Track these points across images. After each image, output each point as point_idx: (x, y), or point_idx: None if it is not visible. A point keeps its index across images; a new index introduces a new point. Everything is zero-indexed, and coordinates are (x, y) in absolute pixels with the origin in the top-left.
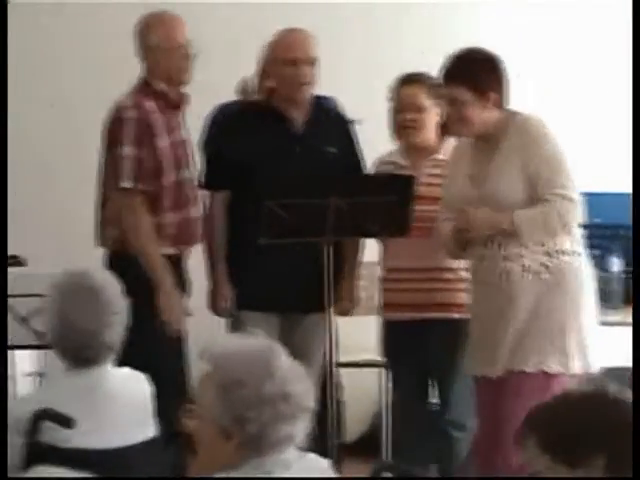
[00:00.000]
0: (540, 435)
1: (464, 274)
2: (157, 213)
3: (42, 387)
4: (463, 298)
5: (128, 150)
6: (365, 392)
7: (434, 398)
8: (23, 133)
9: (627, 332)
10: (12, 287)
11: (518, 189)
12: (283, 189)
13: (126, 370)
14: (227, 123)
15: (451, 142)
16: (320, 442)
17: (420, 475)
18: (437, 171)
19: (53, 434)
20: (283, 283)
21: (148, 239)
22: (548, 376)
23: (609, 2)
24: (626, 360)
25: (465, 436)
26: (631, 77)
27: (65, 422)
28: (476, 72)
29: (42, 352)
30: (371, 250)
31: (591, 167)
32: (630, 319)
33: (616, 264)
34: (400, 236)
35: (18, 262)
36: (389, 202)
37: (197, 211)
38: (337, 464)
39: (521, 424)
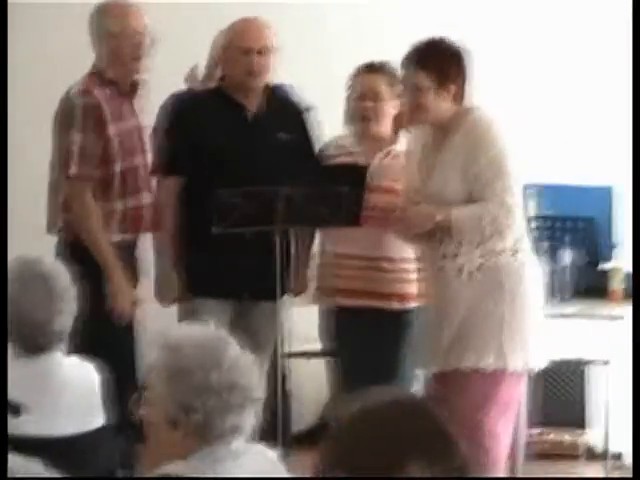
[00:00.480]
0: (332, 459)
1: (409, 266)
2: (107, 200)
3: None
4: (405, 289)
5: (76, 137)
6: (316, 382)
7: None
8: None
9: (579, 324)
10: None
11: (458, 187)
12: (235, 178)
13: (75, 358)
14: (179, 110)
15: (407, 135)
16: (270, 433)
17: None
18: (389, 161)
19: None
20: (235, 270)
21: (96, 226)
22: (485, 374)
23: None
24: (578, 352)
25: None
26: (631, 79)
27: (14, 409)
28: (439, 60)
29: None
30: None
31: (544, 159)
32: (581, 312)
33: (567, 256)
34: (351, 226)
35: None
36: (341, 192)
37: (149, 198)
38: (286, 455)
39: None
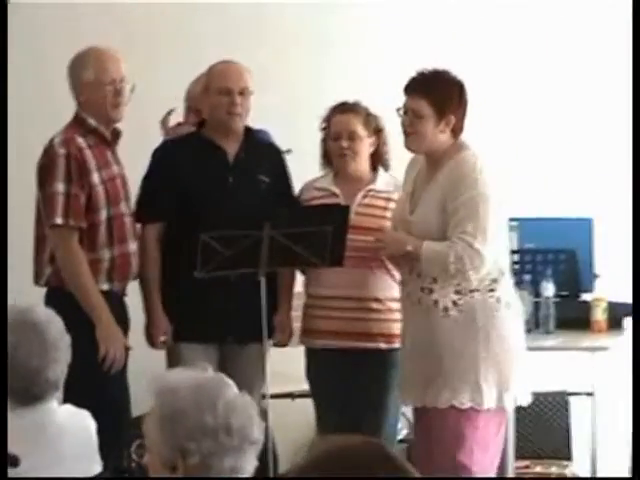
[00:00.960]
0: None
1: (394, 305)
2: (93, 249)
3: None
4: (392, 329)
5: (60, 187)
6: (299, 422)
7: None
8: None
9: (561, 356)
10: None
11: (435, 222)
12: (217, 221)
13: (69, 407)
14: (160, 156)
15: (384, 174)
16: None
17: None
18: (370, 201)
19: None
20: (220, 314)
21: (83, 275)
22: (460, 411)
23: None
24: (561, 384)
25: None
26: (631, 80)
27: (12, 460)
28: (441, 91)
29: None
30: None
31: (523, 193)
32: (565, 344)
33: (549, 289)
34: (335, 266)
35: None
36: (324, 232)
37: (135, 245)
38: None
39: None
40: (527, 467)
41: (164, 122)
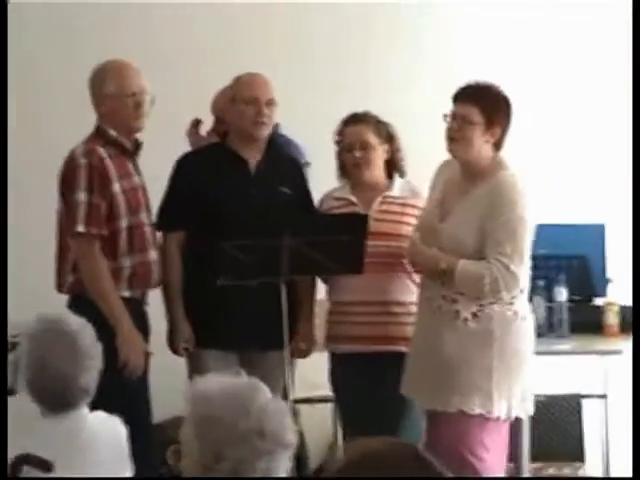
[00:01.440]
0: None
1: (414, 309)
2: (114, 257)
3: (20, 432)
4: (410, 332)
5: (82, 196)
6: (320, 425)
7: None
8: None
9: (575, 360)
10: None
11: (471, 238)
12: (239, 230)
13: (101, 413)
14: (183, 166)
15: (400, 180)
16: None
17: None
18: (387, 207)
19: (32, 476)
20: (242, 321)
21: (104, 282)
22: (469, 417)
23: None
24: (574, 387)
25: None
26: (631, 83)
27: (44, 466)
28: (492, 101)
29: None
30: (323, 287)
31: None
32: (578, 347)
33: (562, 294)
34: (355, 273)
35: None
36: (344, 240)
37: (156, 254)
38: None
39: None
40: (541, 469)
41: (189, 133)
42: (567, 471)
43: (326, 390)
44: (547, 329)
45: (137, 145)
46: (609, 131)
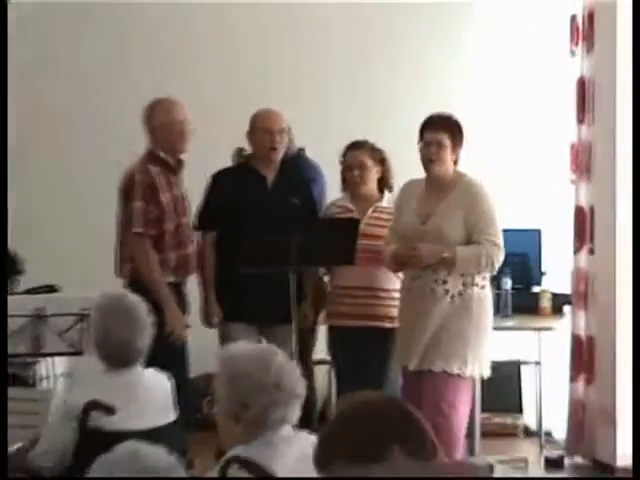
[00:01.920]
0: (333, 450)
1: (395, 294)
2: (162, 251)
3: (89, 384)
4: (392, 312)
5: (138, 204)
6: (319, 381)
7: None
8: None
9: (516, 334)
10: (50, 309)
11: (459, 231)
12: (258, 231)
13: (151, 370)
14: (216, 181)
15: (388, 194)
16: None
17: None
18: (377, 214)
19: (99, 420)
20: (260, 301)
21: (155, 271)
22: (449, 376)
23: None
24: (515, 356)
25: None
26: (631, 83)
27: (108, 410)
28: (455, 128)
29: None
30: None
31: None
32: (519, 325)
33: (507, 283)
34: (348, 265)
35: (54, 289)
36: (340, 239)
37: (193, 248)
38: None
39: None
40: (489, 418)
41: (236, 155)
42: (509, 420)
43: (323, 354)
44: (495, 310)
45: (180, 163)
46: (547, 153)
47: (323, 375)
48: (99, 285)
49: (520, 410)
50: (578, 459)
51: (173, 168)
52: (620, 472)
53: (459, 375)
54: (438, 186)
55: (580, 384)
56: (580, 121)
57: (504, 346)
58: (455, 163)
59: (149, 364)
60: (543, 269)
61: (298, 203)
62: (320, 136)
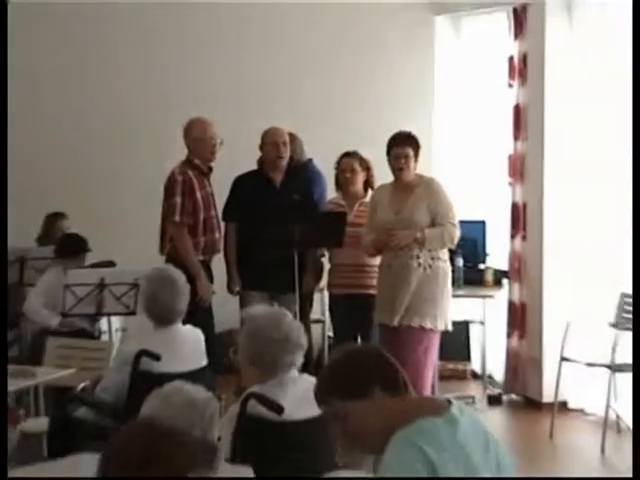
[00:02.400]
0: (328, 388)
1: (376, 269)
2: (194, 236)
3: (140, 337)
4: (374, 283)
5: (178, 199)
6: (316, 336)
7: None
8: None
9: (466, 301)
10: (109, 279)
11: (425, 218)
12: (268, 222)
13: (189, 326)
14: (236, 184)
15: (370, 192)
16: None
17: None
18: (362, 208)
19: (147, 364)
20: (271, 275)
21: (189, 251)
22: (424, 330)
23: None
24: (465, 317)
25: None
26: (630, 82)
27: (155, 357)
28: (416, 143)
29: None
30: None
31: None
32: (468, 293)
33: (460, 262)
34: (338, 247)
35: (113, 264)
36: (332, 227)
37: (219, 234)
38: None
39: (315, 389)
40: (444, 365)
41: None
42: (460, 366)
43: (318, 315)
44: (451, 282)
45: (210, 169)
46: (491, 162)
47: (318, 332)
48: (147, 261)
49: (469, 358)
50: (513, 396)
51: (205, 172)
52: (545, 407)
53: (431, 329)
54: (405, 187)
55: (514, 339)
56: (516, 138)
57: (457, 309)
58: (415, 169)
59: (186, 322)
60: (487, 251)
61: (299, 200)
62: (324, 149)
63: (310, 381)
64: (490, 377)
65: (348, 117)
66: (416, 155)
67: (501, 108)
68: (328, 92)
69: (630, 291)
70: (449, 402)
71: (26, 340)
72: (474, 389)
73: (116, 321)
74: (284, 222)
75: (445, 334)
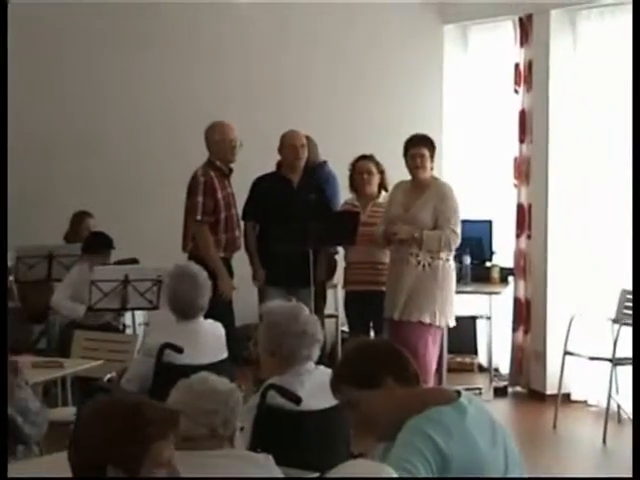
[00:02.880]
0: (343, 378)
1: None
2: (216, 234)
3: (163, 330)
4: (385, 279)
5: (200, 198)
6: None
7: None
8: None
9: (473, 297)
10: (133, 275)
11: (429, 219)
12: (286, 220)
13: (210, 320)
14: (255, 184)
15: (384, 194)
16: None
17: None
18: (375, 209)
19: (171, 356)
20: (288, 270)
21: (211, 248)
22: (423, 325)
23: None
24: (472, 312)
25: None
26: (630, 82)
27: (178, 349)
28: (431, 144)
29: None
30: None
31: None
32: (475, 289)
33: (467, 259)
34: (351, 245)
35: (136, 261)
36: (345, 226)
37: (239, 232)
38: None
39: (331, 378)
40: (453, 358)
41: None
42: (467, 359)
43: (332, 310)
44: (458, 279)
45: (230, 170)
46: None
47: (332, 326)
48: (169, 258)
49: (476, 352)
50: (518, 388)
51: (225, 173)
52: (549, 399)
53: (430, 324)
54: (419, 186)
55: (520, 333)
56: (521, 141)
57: (464, 305)
58: (431, 169)
59: (207, 316)
60: (494, 249)
61: (315, 199)
62: (336, 152)
63: (326, 373)
64: (496, 370)
65: (359, 122)
66: (431, 156)
67: (507, 113)
68: (339, 97)
69: (630, 287)
70: (458, 393)
71: (54, 333)
72: (481, 381)
73: (139, 315)
74: (300, 221)
75: (453, 329)
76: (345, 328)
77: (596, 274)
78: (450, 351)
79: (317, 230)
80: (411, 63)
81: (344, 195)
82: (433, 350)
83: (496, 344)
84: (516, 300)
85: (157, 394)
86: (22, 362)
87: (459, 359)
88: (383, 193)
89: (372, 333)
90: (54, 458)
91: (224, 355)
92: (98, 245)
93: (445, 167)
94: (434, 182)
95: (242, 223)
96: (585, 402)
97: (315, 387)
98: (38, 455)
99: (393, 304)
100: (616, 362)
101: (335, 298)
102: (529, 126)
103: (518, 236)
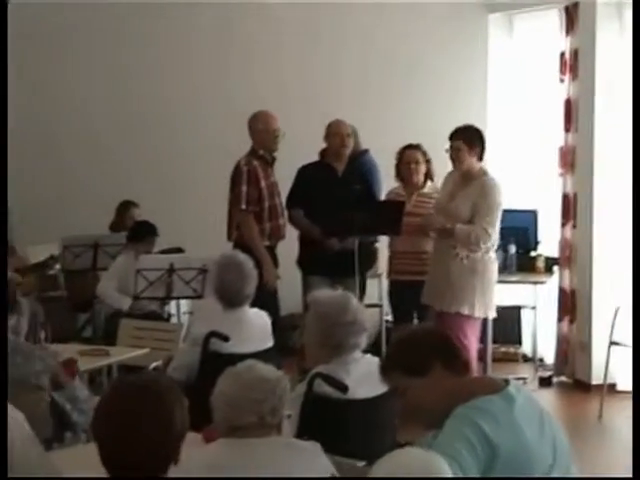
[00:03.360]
0: (392, 364)
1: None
2: (261, 222)
3: (209, 319)
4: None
5: (244, 188)
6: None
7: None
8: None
9: (518, 287)
10: (178, 264)
11: (467, 212)
12: (330, 209)
13: (255, 309)
14: (300, 173)
15: (429, 184)
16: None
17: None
18: (420, 198)
19: (216, 345)
20: (332, 260)
21: (256, 237)
22: (461, 316)
23: None
24: (517, 302)
25: None
26: (631, 83)
27: (224, 338)
28: (469, 135)
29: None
30: None
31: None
32: (520, 279)
33: (512, 249)
34: (396, 235)
35: (182, 250)
36: (390, 216)
37: (283, 221)
38: None
39: (380, 365)
40: (497, 348)
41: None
42: (512, 349)
43: (376, 300)
44: (503, 268)
45: (273, 159)
46: (543, 154)
47: (375, 316)
48: (214, 247)
49: (520, 342)
50: (563, 378)
51: (269, 162)
52: (594, 389)
53: (469, 316)
54: (466, 177)
55: (565, 323)
56: (567, 130)
57: (509, 295)
58: (480, 159)
59: (252, 305)
60: (539, 239)
61: (360, 188)
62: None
63: (372, 362)
64: (541, 360)
65: (406, 111)
66: (470, 147)
67: (552, 102)
68: (388, 86)
69: None
70: (506, 382)
71: (99, 321)
72: (525, 371)
73: (184, 304)
74: (345, 210)
75: (498, 319)
76: (389, 318)
77: None
78: (494, 341)
79: (362, 220)
80: (456, 52)
81: (386, 184)
82: (473, 341)
83: (541, 334)
84: (561, 290)
85: (204, 383)
86: (69, 350)
87: (503, 349)
88: (429, 183)
89: (416, 323)
90: None
91: (270, 344)
92: (143, 233)
93: (489, 156)
94: (481, 176)
95: (286, 212)
96: (631, 392)
97: (362, 376)
98: (85, 442)
99: (432, 295)
100: None
101: (379, 288)
102: (574, 115)
103: (563, 225)
